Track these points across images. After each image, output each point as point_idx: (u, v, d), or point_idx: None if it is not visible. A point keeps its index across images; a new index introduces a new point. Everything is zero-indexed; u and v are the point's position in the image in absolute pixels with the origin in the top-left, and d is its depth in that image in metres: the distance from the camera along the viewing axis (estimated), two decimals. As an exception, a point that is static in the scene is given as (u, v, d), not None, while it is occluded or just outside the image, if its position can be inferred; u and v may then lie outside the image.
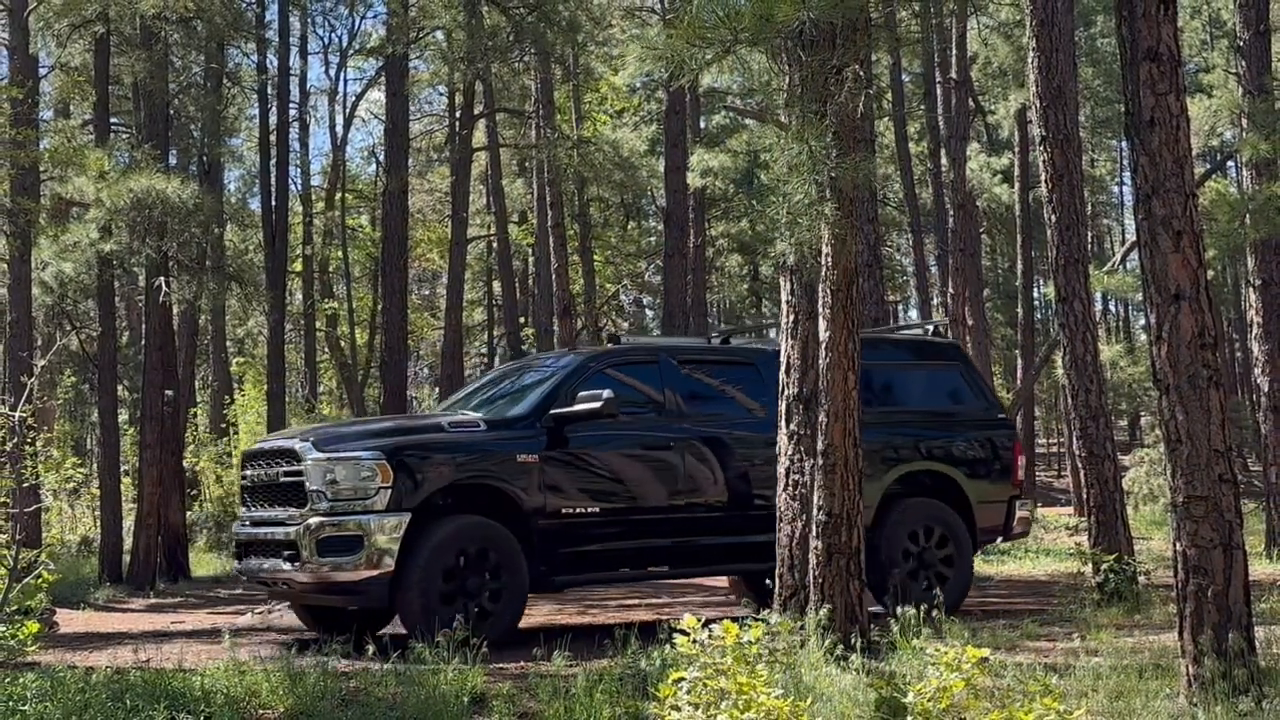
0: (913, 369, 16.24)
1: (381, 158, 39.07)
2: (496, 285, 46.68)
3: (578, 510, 13.51)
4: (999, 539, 16.42)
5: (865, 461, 12.90)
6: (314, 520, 12.55)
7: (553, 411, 13.53)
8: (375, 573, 12.40)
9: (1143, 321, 42.11)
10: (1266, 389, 22.47)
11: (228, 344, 45.23)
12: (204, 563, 27.41)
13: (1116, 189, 60.54)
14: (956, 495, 15.23)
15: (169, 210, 21.92)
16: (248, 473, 14.05)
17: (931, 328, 17.46)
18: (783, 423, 12.23)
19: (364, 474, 12.56)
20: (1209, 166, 39.79)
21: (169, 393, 24.28)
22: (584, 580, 14.28)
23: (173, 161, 26.56)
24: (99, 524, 25.76)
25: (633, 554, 13.93)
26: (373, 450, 12.70)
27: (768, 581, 12.55)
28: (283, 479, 13.16)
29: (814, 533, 10.92)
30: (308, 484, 12.71)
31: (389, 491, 12.51)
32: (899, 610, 10.59)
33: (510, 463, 13.15)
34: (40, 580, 10.31)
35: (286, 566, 12.81)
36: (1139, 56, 8.50)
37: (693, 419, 14.51)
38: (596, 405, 13.22)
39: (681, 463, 14.23)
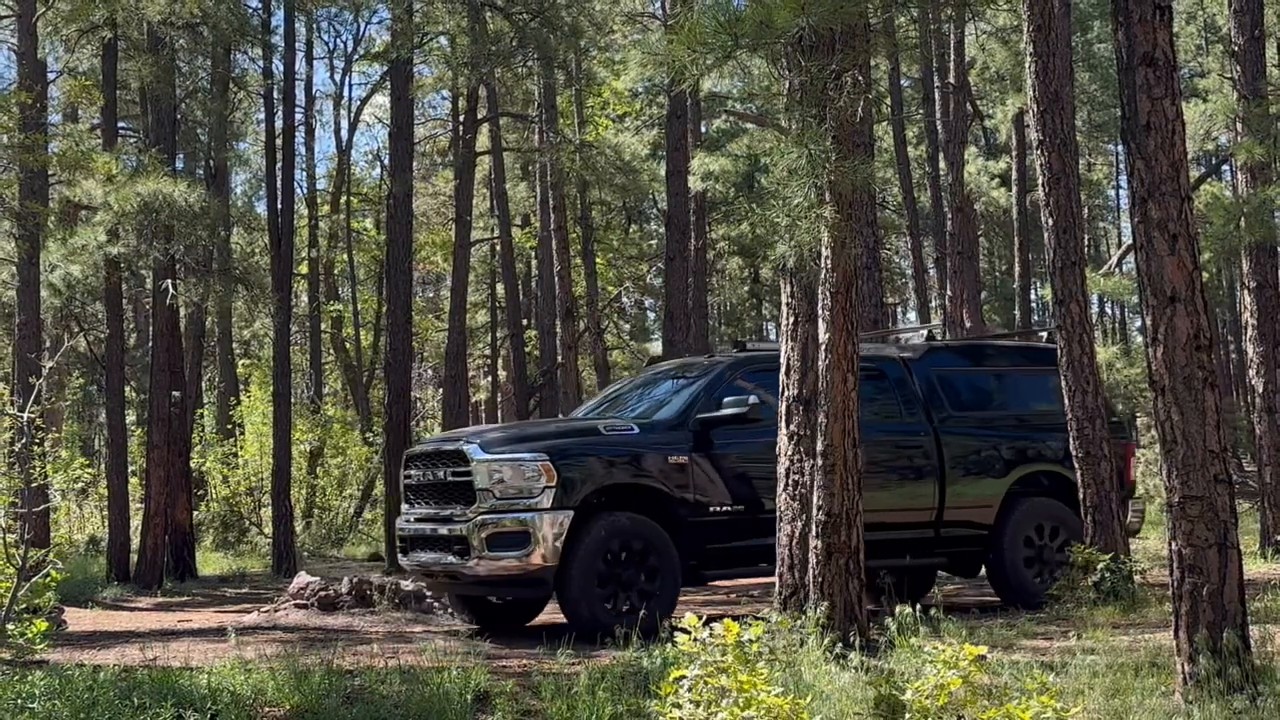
0: (1029, 374, 16.61)
1: (386, 161, 39.21)
2: (500, 288, 46.61)
3: (723, 508, 14.05)
4: None
5: (989, 463, 14.84)
6: (483, 517, 13.27)
7: (699, 416, 14.16)
8: (541, 566, 13.09)
9: (1139, 323, 42.14)
10: (1261, 390, 22.45)
11: (234, 346, 45.23)
12: (210, 562, 27.44)
13: (1113, 192, 60.50)
14: (1072, 494, 15.39)
15: (176, 213, 21.94)
16: (412, 473, 14.76)
17: (926, 331, 17.60)
18: (782, 423, 12.24)
19: (529, 474, 13.25)
20: (1204, 170, 39.91)
21: (176, 394, 24.30)
22: (729, 574, 14.84)
23: (180, 165, 26.61)
24: (106, 524, 25.80)
25: (771, 551, 14.02)
26: (538, 452, 13.39)
27: (880, 576, 13.66)
28: (450, 479, 13.88)
29: (814, 532, 10.94)
30: (476, 483, 13.40)
31: (553, 491, 13.18)
32: (896, 610, 10.59)
33: (662, 463, 13.79)
34: (48, 579, 10.32)
35: (455, 560, 13.56)
36: (1135, 61, 8.51)
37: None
38: (742, 410, 13.83)
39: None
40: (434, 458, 14.43)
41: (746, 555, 14.24)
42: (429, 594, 15.99)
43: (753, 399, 13.93)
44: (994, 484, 15.30)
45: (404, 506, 15.09)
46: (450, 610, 15.65)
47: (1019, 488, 15.64)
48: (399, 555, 15.19)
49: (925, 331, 17.56)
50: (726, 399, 14.09)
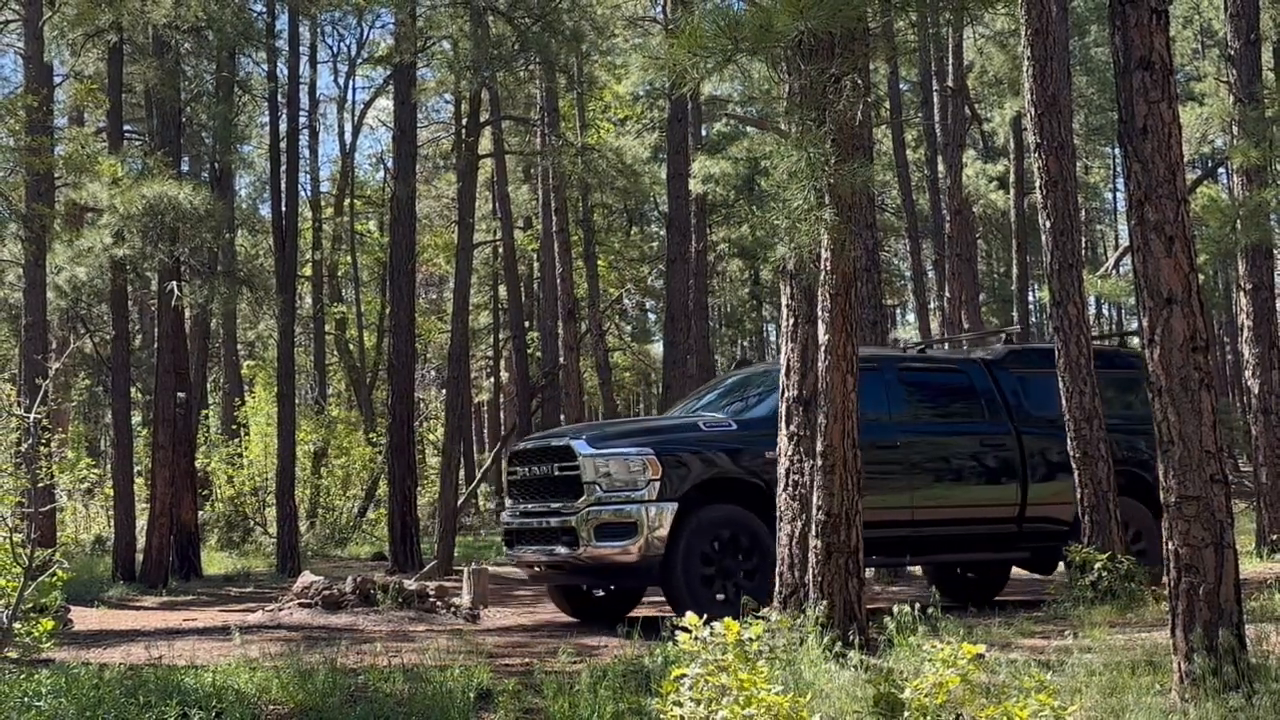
0: (1107, 377, 16.72)
1: (389, 164, 39.23)
2: (502, 289, 46.65)
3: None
4: None
5: (1069, 462, 15.06)
6: (591, 509, 13.90)
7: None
8: (648, 555, 13.63)
9: (1136, 325, 42.15)
10: (1257, 391, 22.46)
11: (238, 347, 45.23)
12: (215, 561, 27.45)
13: (1110, 195, 60.52)
14: (1147, 494, 15.69)
15: (181, 216, 21.95)
16: (517, 469, 15.47)
17: (1004, 335, 18.33)
18: (783, 424, 12.25)
19: (635, 468, 13.89)
20: (1200, 173, 39.88)
21: (181, 395, 24.30)
22: None
23: (185, 168, 26.62)
24: (112, 523, 25.79)
25: (866, 543, 14.53)
26: (643, 447, 14.03)
27: (959, 571, 14.60)
28: (557, 473, 14.47)
29: (813, 532, 10.93)
30: (583, 477, 14.02)
31: (658, 484, 13.80)
32: (895, 609, 10.59)
33: (759, 458, 13.99)
34: (55, 578, 10.32)
35: (564, 551, 14.17)
36: (1132, 65, 8.51)
37: (912, 420, 15.54)
38: None
39: (904, 459, 15.27)
40: (539, 454, 15.03)
41: None
42: (529, 579, 16.57)
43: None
44: (1073, 482, 15.48)
45: (508, 502, 15.90)
46: (462, 609, 15.71)
47: None
48: (504, 548, 16.00)
49: (1003, 335, 17.92)
50: None
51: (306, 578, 16.76)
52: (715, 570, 13.92)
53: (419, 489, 30.29)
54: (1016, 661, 9.29)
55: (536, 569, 15.12)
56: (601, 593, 15.69)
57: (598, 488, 13.92)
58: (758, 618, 7.97)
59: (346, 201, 47.82)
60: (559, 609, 15.94)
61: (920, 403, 15.92)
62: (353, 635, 13.70)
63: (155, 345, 25.07)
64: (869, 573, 16.51)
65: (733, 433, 14.52)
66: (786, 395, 12.29)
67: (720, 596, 13.63)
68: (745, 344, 65.94)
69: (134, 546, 23.73)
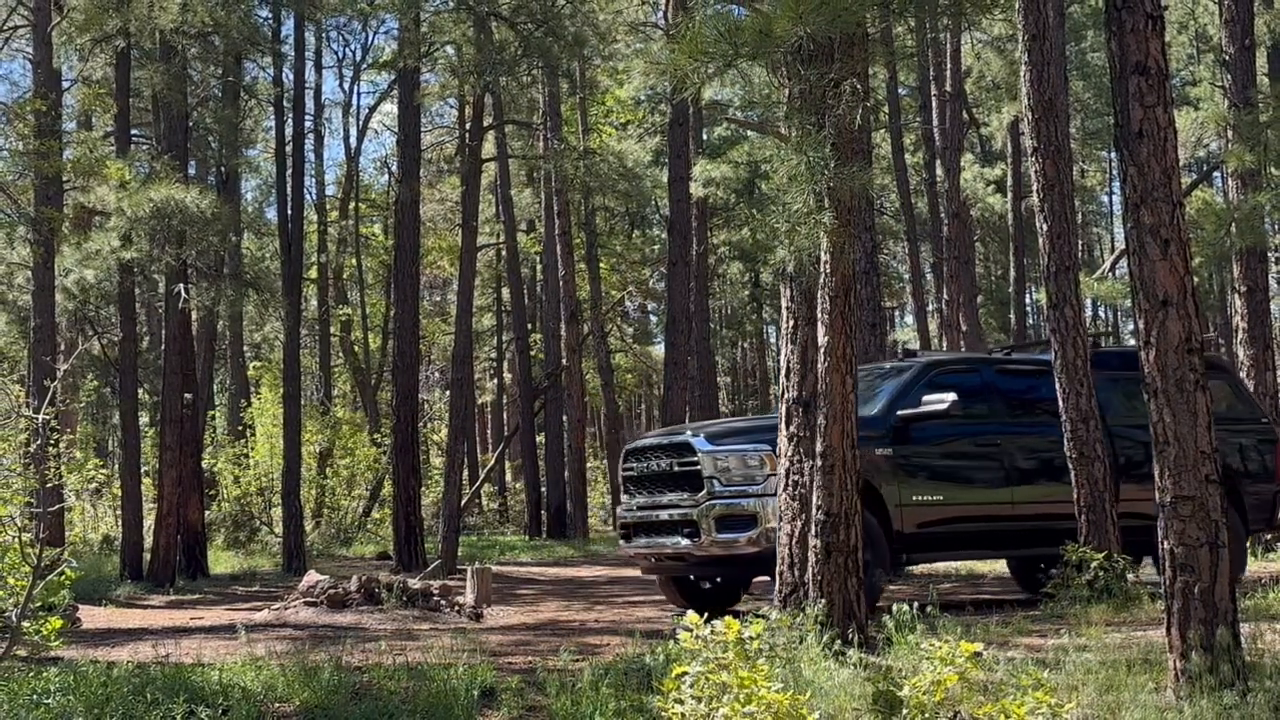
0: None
1: (394, 168, 39.22)
2: (505, 292, 46.69)
3: (924, 497, 14.98)
4: (1265, 529, 17.88)
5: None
6: (711, 502, 14.33)
7: (899, 412, 15.01)
8: (767, 547, 13.57)
9: (1131, 327, 42.14)
10: (1251, 391, 22.45)
11: (245, 349, 45.28)
12: (222, 560, 27.45)
13: (1106, 198, 60.50)
14: (1231, 490, 15.77)
15: (188, 219, 21.96)
16: (633, 465, 15.79)
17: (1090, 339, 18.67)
18: (782, 425, 12.24)
19: (753, 463, 14.31)
20: (1196, 177, 39.87)
21: (188, 396, 24.31)
22: (929, 558, 15.94)
23: (191, 172, 26.60)
24: (120, 523, 25.82)
25: (968, 537, 15.27)
26: (761, 443, 14.29)
27: (1041, 566, 14.64)
28: (676, 469, 14.89)
29: (813, 531, 10.93)
30: (703, 472, 14.45)
31: (775, 478, 13.59)
32: (894, 608, 10.59)
33: (869, 455, 14.11)
34: (63, 577, 10.33)
35: (685, 542, 14.56)
36: (1128, 70, 8.51)
37: (1009, 419, 15.99)
38: (943, 407, 14.79)
39: (1005, 457, 15.73)
40: (657, 451, 15.41)
41: (946, 541, 15.35)
42: (644, 571, 16.77)
43: (953, 397, 14.75)
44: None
45: (624, 497, 16.16)
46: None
47: None
48: (620, 541, 16.31)
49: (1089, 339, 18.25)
50: (926, 397, 14.95)
51: (312, 577, 16.76)
52: None
53: (423, 489, 30.32)
54: (1014, 659, 9.29)
55: (653, 560, 15.50)
56: (708, 585, 16.14)
57: (716, 482, 14.36)
58: (758, 616, 7.97)
59: (351, 205, 47.83)
60: (670, 600, 16.32)
61: (1015, 403, 16.34)
62: (358, 634, 13.70)
63: (162, 347, 25.07)
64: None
65: None
66: (786, 396, 12.29)
67: None
68: (745, 346, 65.97)
69: (141, 546, 23.73)
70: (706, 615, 7.47)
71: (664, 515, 14.93)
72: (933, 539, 15.10)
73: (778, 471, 13.71)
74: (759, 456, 14.30)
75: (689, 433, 15.27)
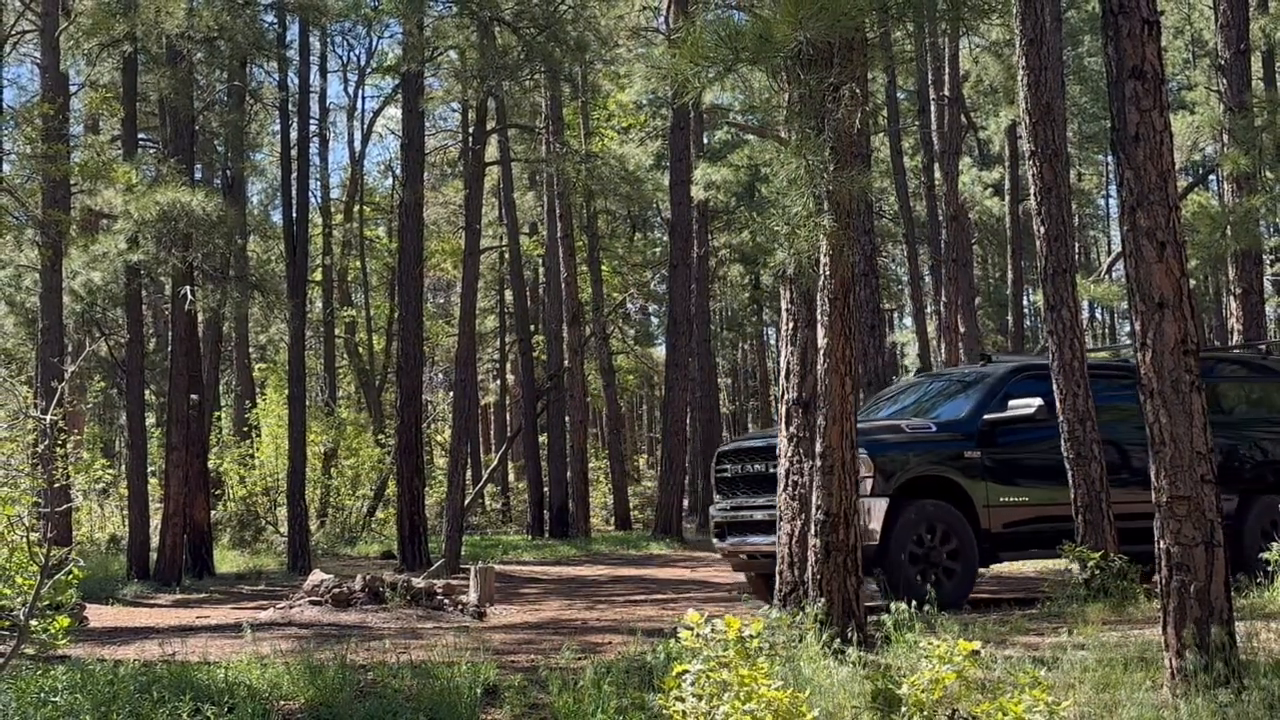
0: (1260, 385, 17.66)
1: (398, 172, 39.16)
2: (508, 294, 46.66)
3: (1010, 498, 15.34)
4: None
5: (1235, 464, 16.07)
6: None
7: (987, 416, 15.44)
8: (864, 545, 13.67)
9: (1128, 328, 42.15)
10: (1246, 393, 22.42)
11: (250, 350, 45.25)
12: (228, 560, 27.44)
13: (1103, 202, 60.48)
14: None
15: (194, 222, 21.98)
16: (727, 467, 16.25)
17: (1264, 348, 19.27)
18: (783, 425, 12.25)
19: None
20: (1191, 180, 39.82)
21: (194, 397, 24.33)
22: (1015, 555, 16.01)
23: (197, 175, 26.62)
24: (127, 523, 25.79)
25: (1052, 536, 15.15)
26: (858, 446, 13.73)
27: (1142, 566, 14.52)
28: (772, 470, 14.67)
29: (812, 531, 10.92)
30: None
31: (872, 480, 14.44)
32: (892, 607, 10.59)
33: (959, 457, 15.05)
34: (70, 577, 10.31)
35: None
36: (1124, 75, 8.51)
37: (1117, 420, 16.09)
38: (1030, 411, 15.19)
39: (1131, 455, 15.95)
40: (754, 454, 15.82)
41: (1031, 539, 15.52)
42: (734, 568, 17.24)
43: (1039, 401, 15.09)
44: (1236, 484, 16.12)
45: (716, 498, 16.57)
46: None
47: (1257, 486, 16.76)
48: (713, 539, 16.62)
49: (1261, 347, 19.04)
50: (1012, 401, 15.35)
51: (317, 576, 16.77)
52: (923, 559, 14.59)
53: (427, 489, 30.33)
54: (1012, 658, 9.29)
55: (744, 557, 15.95)
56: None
57: None
58: (759, 615, 7.97)
59: (356, 208, 47.81)
60: (758, 596, 16.32)
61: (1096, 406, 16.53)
62: (362, 632, 13.70)
63: (169, 349, 25.07)
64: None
65: (933, 434, 15.30)
66: (786, 397, 12.31)
67: (927, 582, 14.20)
68: (746, 347, 65.94)
69: (148, 545, 23.74)
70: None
71: (759, 515, 15.22)
72: (1019, 538, 15.42)
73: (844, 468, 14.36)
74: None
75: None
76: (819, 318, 11.12)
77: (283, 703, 8.78)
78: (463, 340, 27.56)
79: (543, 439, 40.27)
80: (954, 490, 15.02)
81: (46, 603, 10.28)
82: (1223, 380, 17.38)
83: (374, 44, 47.77)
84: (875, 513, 14.38)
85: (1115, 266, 34.66)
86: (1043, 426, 15.32)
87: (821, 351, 11.01)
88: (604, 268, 45.38)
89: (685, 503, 38.19)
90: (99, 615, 16.58)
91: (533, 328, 43.37)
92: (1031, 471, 15.72)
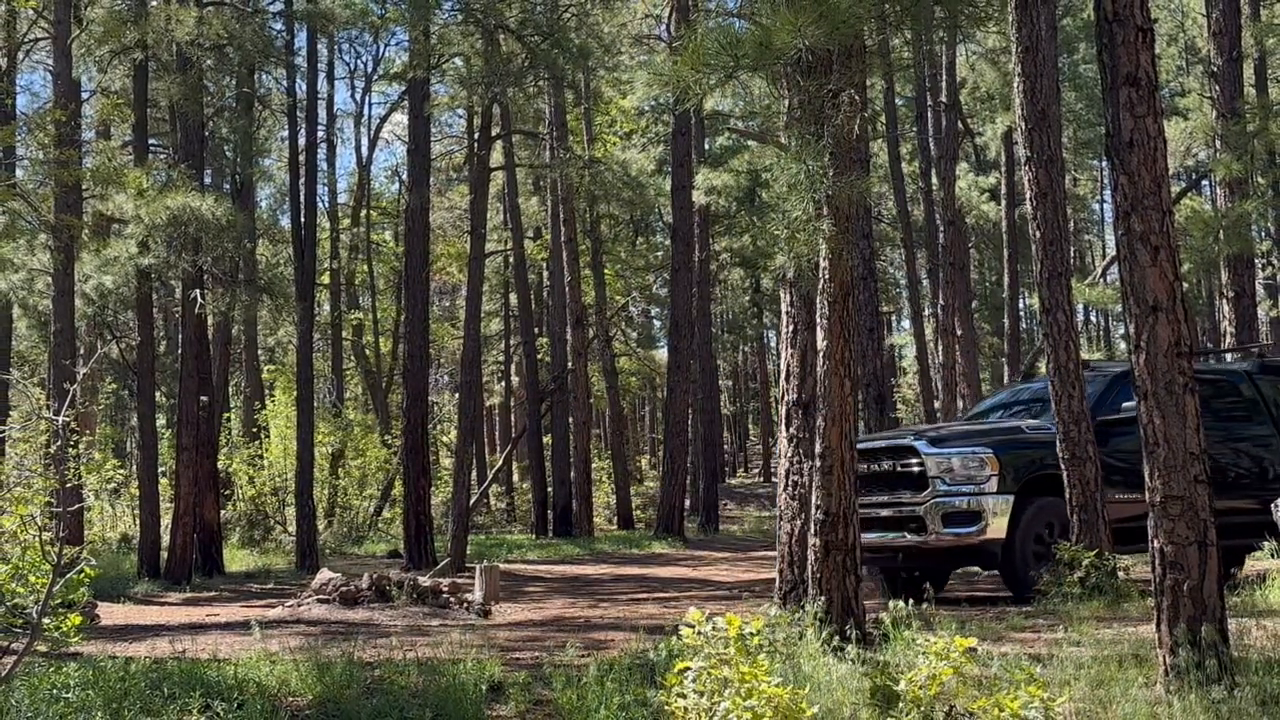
0: None
1: (404, 177, 39.28)
2: (513, 297, 46.69)
3: (1122, 495, 15.39)
4: None
5: None
6: (938, 500, 15.14)
7: (1100, 417, 15.64)
8: (991, 539, 14.94)
9: (1122, 331, 42.14)
10: (1239, 395, 22.42)
11: (259, 352, 45.28)
12: (237, 559, 27.46)
13: (1097, 206, 60.50)
14: None
15: (204, 226, 21.99)
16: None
17: (1257, 350, 20.12)
18: (783, 426, 12.25)
19: (974, 465, 15.19)
20: (1185, 185, 39.86)
21: (204, 399, 24.33)
22: (1128, 550, 15.84)
23: (207, 180, 26.64)
24: (138, 522, 25.83)
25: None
26: (983, 447, 15.29)
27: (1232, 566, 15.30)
28: (900, 469, 15.65)
29: (812, 530, 10.92)
30: (928, 473, 15.26)
31: (996, 478, 15.08)
32: (891, 604, 10.59)
33: None
34: (82, 575, 10.32)
35: (911, 536, 15.34)
36: (1119, 81, 8.51)
37: (1211, 422, 16.04)
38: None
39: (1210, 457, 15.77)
40: (879, 454, 16.07)
41: (1144, 534, 15.31)
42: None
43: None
44: None
45: None
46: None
47: None
48: None
49: (1256, 350, 19.09)
50: (1126, 404, 15.37)
51: (325, 574, 16.77)
52: (1043, 553, 14.84)
53: (432, 489, 30.31)
54: (1008, 655, 9.28)
55: (874, 553, 16.07)
56: (906, 574, 16.53)
57: (941, 482, 15.14)
58: (759, 613, 7.96)
59: (363, 212, 47.87)
60: (875, 587, 16.76)
61: (1214, 409, 16.63)
62: (369, 630, 13.71)
63: (179, 351, 25.09)
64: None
65: (1051, 435, 15.34)
66: (786, 399, 12.31)
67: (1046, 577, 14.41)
68: (746, 349, 65.95)
69: (159, 544, 23.75)
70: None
71: (885, 512, 15.60)
72: (1131, 533, 15.24)
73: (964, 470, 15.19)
74: (979, 459, 15.17)
75: (910, 437, 16.09)
76: (818, 320, 11.12)
77: (291, 699, 8.78)
78: (468, 342, 27.57)
79: (547, 440, 40.29)
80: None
81: (59, 601, 10.28)
82: None
83: (381, 51, 47.92)
84: (1001, 510, 14.99)
85: (1110, 270, 34.65)
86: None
87: (821, 353, 11.00)
88: (607, 271, 45.40)
89: (687, 502, 38.14)
90: (110, 613, 16.59)
91: (537, 330, 43.38)
92: (1139, 471, 15.79)
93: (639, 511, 42.68)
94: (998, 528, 14.89)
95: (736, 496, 53.60)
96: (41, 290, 28.32)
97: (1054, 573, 14.26)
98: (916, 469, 15.45)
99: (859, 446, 16.64)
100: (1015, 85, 16.14)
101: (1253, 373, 17.60)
